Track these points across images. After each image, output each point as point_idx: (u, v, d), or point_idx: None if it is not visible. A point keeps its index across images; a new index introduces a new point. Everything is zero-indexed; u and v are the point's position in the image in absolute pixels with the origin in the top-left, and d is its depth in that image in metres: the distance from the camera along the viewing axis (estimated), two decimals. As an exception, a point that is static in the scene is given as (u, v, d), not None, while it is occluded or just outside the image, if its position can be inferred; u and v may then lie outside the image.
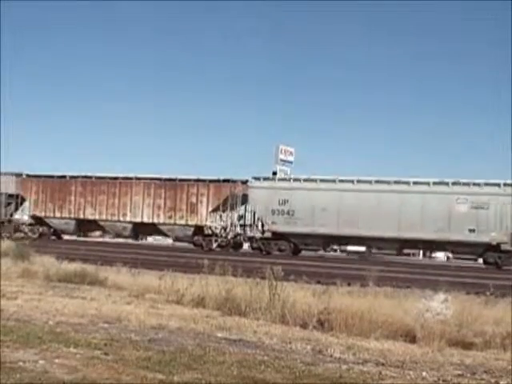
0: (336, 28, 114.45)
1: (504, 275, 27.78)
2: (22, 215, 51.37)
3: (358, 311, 12.33)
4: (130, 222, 47.43)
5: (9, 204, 51.29)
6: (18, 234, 45.47)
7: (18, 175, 51.29)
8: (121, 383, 7.32)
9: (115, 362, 8.43)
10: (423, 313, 12.20)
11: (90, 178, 49.20)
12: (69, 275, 18.71)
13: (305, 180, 43.26)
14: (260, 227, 43.93)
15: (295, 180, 43.98)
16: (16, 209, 51.55)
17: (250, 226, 45.13)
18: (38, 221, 50.49)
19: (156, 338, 10.47)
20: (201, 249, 42.79)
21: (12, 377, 7.31)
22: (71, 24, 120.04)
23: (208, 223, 44.74)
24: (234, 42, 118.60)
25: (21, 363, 8.03)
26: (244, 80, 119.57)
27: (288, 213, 42.71)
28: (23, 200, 51.33)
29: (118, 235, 49.78)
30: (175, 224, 45.65)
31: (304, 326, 12.31)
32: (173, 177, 46.71)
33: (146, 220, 46.72)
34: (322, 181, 42.45)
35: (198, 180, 45.83)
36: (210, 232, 44.54)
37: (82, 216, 48.97)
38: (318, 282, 18.53)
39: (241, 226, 45.38)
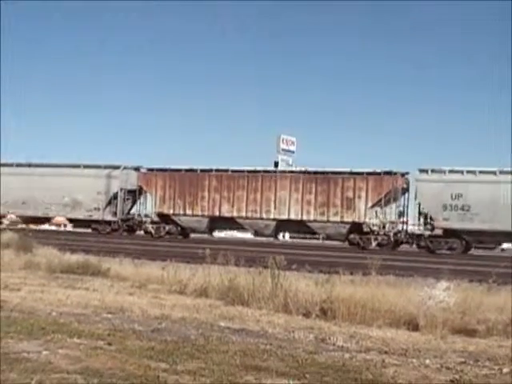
0: (339, 18, 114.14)
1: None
2: (145, 212, 47.24)
3: (361, 300, 12.34)
4: (273, 220, 43.43)
5: (127, 200, 47.98)
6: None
7: (136, 169, 47.90)
8: (124, 373, 7.34)
9: (118, 352, 8.45)
10: (426, 301, 12.20)
11: (226, 171, 44.91)
12: (71, 266, 18.74)
13: (481, 172, 38.99)
14: (428, 224, 39.85)
15: (469, 172, 39.41)
16: (133, 205, 48.50)
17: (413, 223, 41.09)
18: (164, 218, 46.18)
19: (159, 327, 10.49)
20: (357, 248, 39.41)
21: (16, 367, 7.33)
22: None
23: (367, 220, 40.73)
24: (236, 32, 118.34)
25: (25, 354, 8.05)
26: (246, 69, 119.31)
27: (462, 208, 39.03)
28: (144, 196, 47.88)
29: (259, 234, 45.51)
30: (328, 221, 41.79)
31: (307, 314, 12.33)
32: (325, 170, 42.72)
33: (293, 217, 42.71)
34: (502, 173, 38.48)
35: (353, 173, 41.84)
36: (368, 230, 40.66)
37: (216, 213, 44.70)
38: (321, 271, 18.52)
39: (402, 222, 41.53)
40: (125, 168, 47.95)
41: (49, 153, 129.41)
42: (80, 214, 48.33)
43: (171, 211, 45.66)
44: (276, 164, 49.99)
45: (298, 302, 12.81)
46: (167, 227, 45.77)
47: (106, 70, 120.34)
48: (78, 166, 48.88)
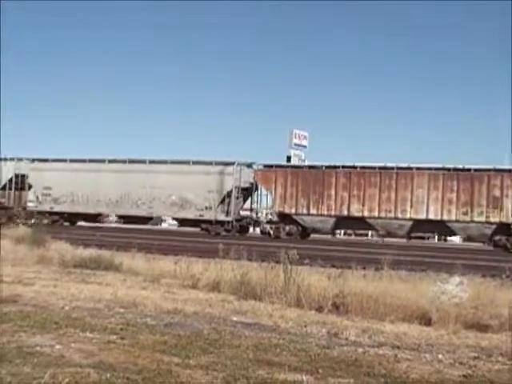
0: (353, 14, 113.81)
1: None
2: (262, 211, 45.42)
3: (373, 294, 12.32)
4: (410, 219, 41.14)
5: (238, 198, 45.23)
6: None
7: (249, 165, 45.65)
8: (137, 367, 7.36)
9: (131, 346, 8.48)
10: (438, 296, 12.18)
11: (355, 167, 42.51)
12: (84, 261, 18.78)
13: None
14: None
15: None
16: (244, 204, 46.41)
17: None
18: (283, 218, 43.67)
19: (172, 322, 10.50)
20: (503, 250, 37.10)
21: (29, 361, 7.37)
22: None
23: None
24: (250, 27, 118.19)
25: (38, 348, 8.09)
26: (258, 62, 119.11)
27: None
28: (259, 193, 45.70)
29: (391, 235, 43.02)
30: (472, 221, 39.57)
31: (319, 309, 12.32)
32: (468, 167, 40.38)
33: (432, 217, 40.44)
34: None
35: (499, 170, 39.77)
36: None
37: (345, 213, 42.30)
38: (333, 266, 18.51)
39: None
40: (238, 164, 45.39)
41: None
42: (189, 214, 45.76)
43: (293, 210, 43.26)
44: (288, 159, 49.93)
45: (310, 296, 12.80)
46: (287, 227, 43.34)
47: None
48: (186, 163, 46.45)
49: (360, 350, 9.05)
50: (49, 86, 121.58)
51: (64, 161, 50.70)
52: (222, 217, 44.76)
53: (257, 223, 45.19)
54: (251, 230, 47.44)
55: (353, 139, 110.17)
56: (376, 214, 41.64)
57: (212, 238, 38.84)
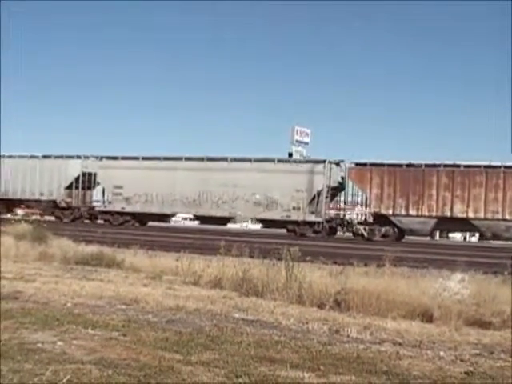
0: (356, 10, 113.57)
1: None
2: (353, 212, 42.48)
3: (375, 291, 12.31)
4: None
5: (326, 198, 42.80)
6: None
7: (338, 164, 43.29)
8: (139, 363, 7.36)
9: (133, 342, 8.48)
10: (440, 292, 12.18)
11: (458, 166, 40.60)
12: (86, 257, 18.80)
13: None
14: None
15: None
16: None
17: None
18: (379, 219, 41.83)
19: (173, 319, 10.51)
20: None
21: (31, 358, 7.37)
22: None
23: None
24: (253, 25, 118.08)
25: (39, 344, 8.09)
26: (259, 59, 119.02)
27: None
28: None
29: (496, 236, 41.53)
30: None
31: (321, 306, 12.32)
32: None
33: None
34: None
35: None
36: None
37: (447, 213, 40.42)
38: (335, 263, 18.51)
39: None
40: (329, 162, 43.21)
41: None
42: (275, 215, 43.63)
43: (390, 211, 41.39)
44: (290, 155, 49.90)
45: (311, 293, 12.80)
46: (383, 229, 41.65)
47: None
48: (270, 161, 44.57)
49: (361, 346, 9.05)
50: (50, 85, 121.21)
51: (136, 158, 48.46)
52: (311, 217, 42.75)
53: (348, 224, 42.66)
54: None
55: (355, 136, 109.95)
56: (482, 215, 39.91)
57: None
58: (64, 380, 6.49)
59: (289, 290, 13.11)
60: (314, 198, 42.88)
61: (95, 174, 50.27)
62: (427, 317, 11.57)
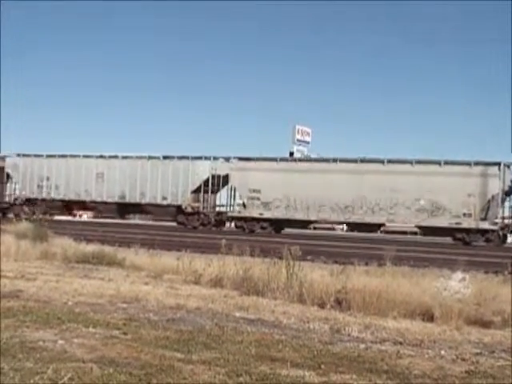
0: (356, 6, 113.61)
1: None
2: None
3: (376, 290, 12.32)
4: None
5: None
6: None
7: (508, 166, 39.06)
8: (140, 362, 7.37)
9: (134, 341, 8.48)
10: (441, 291, 12.18)
11: None
12: (87, 256, 18.80)
13: None
14: None
15: None
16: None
17: None
18: None
19: (174, 317, 10.51)
20: None
21: (32, 356, 7.38)
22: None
23: None
24: (252, 22, 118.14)
25: (41, 343, 8.10)
26: (262, 57, 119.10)
27: None
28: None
29: None
30: None
31: (322, 305, 12.32)
32: None
33: None
34: None
35: None
36: None
37: None
38: (336, 262, 18.51)
39: None
40: (504, 165, 39.07)
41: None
42: (441, 222, 39.35)
43: None
44: (291, 154, 49.93)
45: (312, 292, 12.80)
46: None
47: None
48: (436, 163, 39.88)
49: (362, 345, 9.05)
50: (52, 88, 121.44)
51: (274, 160, 43.91)
52: (484, 225, 38.75)
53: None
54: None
55: (355, 135, 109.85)
56: None
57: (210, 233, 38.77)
58: (65, 378, 6.49)
59: (290, 289, 13.11)
60: (487, 203, 39.12)
61: (225, 177, 45.57)
62: (428, 316, 11.58)
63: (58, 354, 7.61)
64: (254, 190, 43.46)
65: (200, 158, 46.74)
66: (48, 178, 50.01)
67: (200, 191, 45.70)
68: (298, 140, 53.70)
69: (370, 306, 11.94)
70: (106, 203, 48.79)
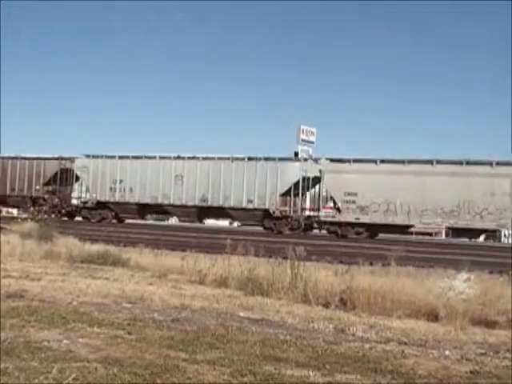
0: (358, 8, 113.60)
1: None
2: None
3: (381, 290, 12.31)
4: None
5: None
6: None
7: None
8: (144, 362, 7.37)
9: (138, 341, 8.49)
10: (446, 292, 12.16)
11: None
12: (92, 256, 18.83)
13: None
14: None
15: None
16: None
17: None
18: None
19: (179, 317, 10.51)
20: None
21: (37, 356, 7.38)
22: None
23: None
24: (257, 24, 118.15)
25: (45, 343, 8.10)
26: (265, 58, 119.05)
27: None
28: None
29: None
30: None
31: (326, 305, 12.32)
32: None
33: None
34: None
35: None
36: None
37: None
38: (341, 262, 18.51)
39: None
40: None
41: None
42: None
43: None
44: (296, 154, 49.92)
45: (317, 292, 12.80)
46: None
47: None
48: None
49: (367, 345, 9.05)
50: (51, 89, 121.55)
51: (372, 161, 40.38)
52: None
53: None
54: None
55: (360, 135, 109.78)
56: None
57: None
58: (70, 378, 6.50)
59: (294, 289, 13.11)
60: None
61: (314, 179, 42.43)
62: (433, 316, 11.57)
63: (62, 353, 7.62)
64: (350, 193, 40.49)
65: (289, 159, 44.51)
66: (121, 181, 47.31)
67: (289, 194, 42.77)
68: (302, 140, 53.72)
69: (374, 305, 11.94)
70: (185, 207, 45.67)
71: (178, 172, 45.63)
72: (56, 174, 50.00)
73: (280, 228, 41.79)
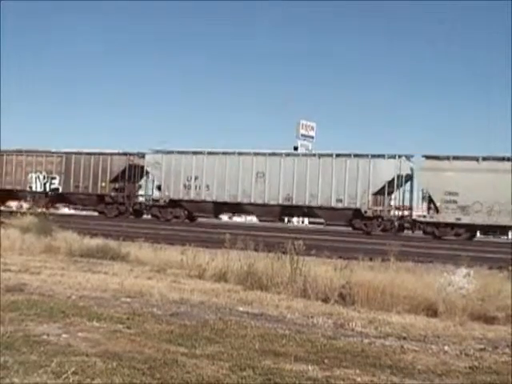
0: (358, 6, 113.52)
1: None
2: None
3: (380, 285, 12.31)
4: None
5: None
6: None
7: None
8: (143, 356, 7.37)
9: (137, 335, 8.49)
10: (445, 287, 12.17)
11: None
12: (91, 250, 18.82)
13: None
14: None
15: None
16: None
17: None
18: None
19: (178, 311, 10.52)
20: None
21: (36, 350, 7.39)
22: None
23: None
24: (257, 19, 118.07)
25: (45, 337, 8.11)
26: (266, 53, 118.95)
27: None
28: None
29: None
30: None
31: (325, 300, 12.32)
32: None
33: None
34: None
35: None
36: None
37: None
38: (340, 257, 18.49)
39: None
40: None
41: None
42: None
43: None
44: (295, 149, 49.97)
45: (316, 287, 12.80)
46: None
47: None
48: None
49: (366, 340, 9.05)
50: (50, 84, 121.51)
51: (473, 159, 38.15)
52: None
53: None
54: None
55: (360, 129, 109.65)
56: None
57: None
58: (69, 372, 6.50)
59: (293, 283, 13.12)
60: None
61: (406, 177, 40.63)
62: (432, 311, 11.57)
63: (61, 347, 7.63)
64: (451, 193, 38.28)
65: (381, 156, 40.99)
66: (196, 178, 44.84)
67: (382, 193, 40.63)
68: (302, 135, 53.76)
69: (373, 300, 11.95)
70: (267, 206, 43.28)
71: (260, 169, 43.43)
72: (124, 170, 47.60)
73: (371, 228, 39.91)
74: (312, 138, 54.40)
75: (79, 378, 6.41)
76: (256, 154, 43.91)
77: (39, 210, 25.67)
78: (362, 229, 39.82)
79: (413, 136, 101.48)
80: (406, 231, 40.46)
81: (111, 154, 48.06)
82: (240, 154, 44.48)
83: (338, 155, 41.51)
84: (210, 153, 45.05)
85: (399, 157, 40.35)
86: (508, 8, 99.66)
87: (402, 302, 11.76)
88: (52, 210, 40.17)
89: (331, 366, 7.46)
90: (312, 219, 47.40)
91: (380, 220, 40.15)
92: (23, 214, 26.42)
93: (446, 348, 8.81)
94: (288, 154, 43.60)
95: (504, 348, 9.00)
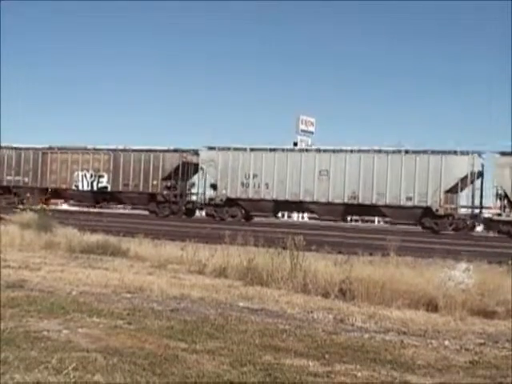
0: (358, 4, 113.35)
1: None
2: None
3: (380, 280, 12.32)
4: None
5: None
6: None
7: None
8: (144, 352, 7.38)
9: (138, 331, 8.50)
10: (445, 282, 12.17)
11: None
12: (91, 246, 18.81)
13: None
14: None
15: None
16: None
17: None
18: None
19: (178, 307, 10.53)
20: None
21: (36, 346, 7.40)
22: None
23: None
24: (256, 14, 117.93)
25: (45, 333, 8.12)
26: (265, 48, 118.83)
27: None
28: None
29: None
30: None
31: (326, 295, 12.33)
32: None
33: None
34: None
35: None
36: None
37: None
38: (340, 252, 18.49)
39: None
40: None
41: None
42: None
43: None
44: (295, 144, 49.92)
45: (316, 282, 12.81)
46: None
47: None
48: None
49: (366, 335, 9.06)
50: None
51: None
52: None
53: None
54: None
55: (360, 124, 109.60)
56: None
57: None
58: (69, 368, 6.51)
59: (294, 279, 13.12)
60: None
61: (478, 174, 38.81)
62: (432, 306, 11.58)
63: (62, 343, 7.64)
64: None
65: (453, 152, 39.15)
66: (255, 175, 42.92)
67: (455, 191, 39.13)
68: (301, 130, 53.74)
69: (373, 296, 11.95)
70: (330, 204, 41.27)
71: (323, 166, 41.41)
72: (177, 167, 45.37)
73: (442, 227, 38.33)
74: (312, 133, 54.38)
75: (80, 374, 6.42)
76: (317, 150, 42.72)
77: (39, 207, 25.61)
78: (431, 228, 38.51)
79: (413, 133, 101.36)
80: (476, 230, 39.66)
81: (163, 151, 46.05)
82: (301, 150, 43.70)
83: (406, 152, 40.00)
84: (270, 149, 43.34)
85: (471, 153, 38.74)
86: (508, 8, 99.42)
87: (402, 297, 11.76)
88: (52, 207, 39.21)
89: (331, 361, 7.47)
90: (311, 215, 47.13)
91: (451, 218, 38.81)
92: (23, 210, 26.40)
93: (446, 343, 8.82)
94: (352, 151, 41.32)
95: (504, 343, 9.01)
